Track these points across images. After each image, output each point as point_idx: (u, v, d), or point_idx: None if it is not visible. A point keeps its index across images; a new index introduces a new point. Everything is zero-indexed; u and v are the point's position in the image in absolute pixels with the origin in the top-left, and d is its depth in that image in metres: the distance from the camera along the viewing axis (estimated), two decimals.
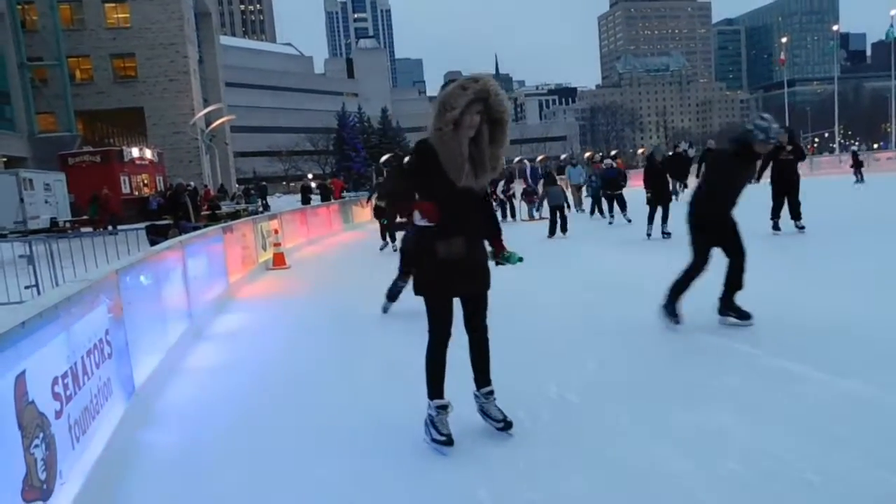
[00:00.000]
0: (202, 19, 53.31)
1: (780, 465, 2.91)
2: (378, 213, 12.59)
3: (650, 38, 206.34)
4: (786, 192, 10.54)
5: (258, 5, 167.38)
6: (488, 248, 3.47)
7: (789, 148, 10.25)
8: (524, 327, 5.67)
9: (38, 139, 36.28)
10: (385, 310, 6.70)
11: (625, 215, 15.08)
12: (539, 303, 6.93)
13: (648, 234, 11.41)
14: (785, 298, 6.05)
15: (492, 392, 3.52)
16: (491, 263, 3.48)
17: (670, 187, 12.43)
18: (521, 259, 3.50)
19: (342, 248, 15.54)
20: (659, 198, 11.34)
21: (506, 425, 3.44)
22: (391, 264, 11.54)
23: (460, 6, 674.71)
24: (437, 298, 3.35)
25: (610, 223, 15.20)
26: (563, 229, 13.53)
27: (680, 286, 5.25)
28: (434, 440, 3.36)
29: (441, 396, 3.40)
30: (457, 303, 3.43)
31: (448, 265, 3.27)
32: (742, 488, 2.77)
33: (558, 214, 13.56)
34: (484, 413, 3.53)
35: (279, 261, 12.09)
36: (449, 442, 3.32)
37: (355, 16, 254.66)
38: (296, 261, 12.84)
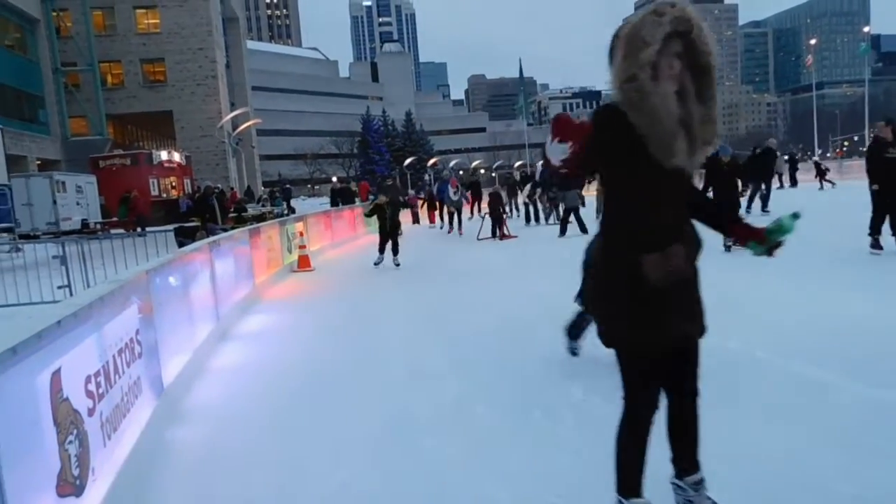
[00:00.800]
0: (230, 24, 54.12)
1: (812, 475, 2.86)
2: (372, 212, 12.07)
3: None
4: (891, 201, 8.18)
5: (284, 10, 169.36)
6: (735, 244, 2.33)
7: None
8: (547, 333, 5.63)
9: (71, 142, 37.10)
10: (573, 352, 4.98)
11: None
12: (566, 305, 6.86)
13: (726, 246, 9.26)
14: (838, 313, 5.93)
15: (702, 481, 2.43)
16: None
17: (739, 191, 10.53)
18: (797, 215, 2.28)
19: (366, 252, 15.56)
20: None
21: None
22: (412, 270, 11.67)
23: (484, 10, 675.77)
24: (644, 352, 2.19)
25: None
26: (583, 230, 13.43)
27: None
28: None
29: (639, 494, 2.32)
30: None
31: (659, 295, 2.08)
32: (773, 499, 2.73)
33: (573, 215, 13.92)
34: None
35: (304, 263, 12.22)
36: None
37: (380, 20, 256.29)
38: (320, 263, 12.95)
